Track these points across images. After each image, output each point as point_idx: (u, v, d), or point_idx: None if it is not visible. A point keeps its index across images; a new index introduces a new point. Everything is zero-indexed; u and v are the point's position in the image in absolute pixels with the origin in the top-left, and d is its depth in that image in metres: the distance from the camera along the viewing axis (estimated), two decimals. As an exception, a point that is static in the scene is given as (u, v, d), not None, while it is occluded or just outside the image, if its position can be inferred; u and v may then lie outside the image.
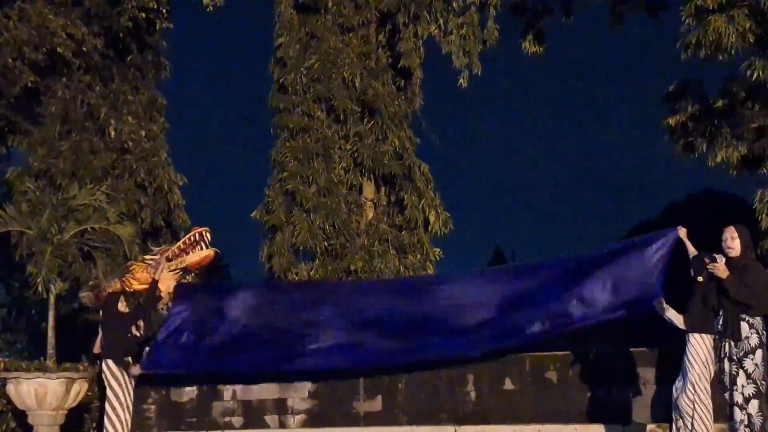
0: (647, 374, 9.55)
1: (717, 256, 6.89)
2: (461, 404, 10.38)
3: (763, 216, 13.71)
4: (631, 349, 9.51)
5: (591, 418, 9.43)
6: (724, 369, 6.69)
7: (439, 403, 10.44)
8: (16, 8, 13.69)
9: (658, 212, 26.42)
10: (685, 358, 8.15)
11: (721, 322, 6.74)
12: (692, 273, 7.91)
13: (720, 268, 6.67)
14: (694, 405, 8.02)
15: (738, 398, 6.57)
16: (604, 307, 9.27)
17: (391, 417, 10.50)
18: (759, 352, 6.60)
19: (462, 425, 9.99)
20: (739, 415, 6.54)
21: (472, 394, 10.39)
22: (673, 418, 8.35)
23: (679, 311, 8.23)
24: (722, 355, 6.72)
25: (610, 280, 9.31)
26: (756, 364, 6.56)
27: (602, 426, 9.18)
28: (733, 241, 6.82)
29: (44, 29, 13.57)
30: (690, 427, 8.05)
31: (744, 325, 6.60)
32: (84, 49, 14.16)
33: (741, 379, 6.56)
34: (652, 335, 9.27)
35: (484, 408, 10.27)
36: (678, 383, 8.29)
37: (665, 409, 8.62)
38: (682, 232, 8.82)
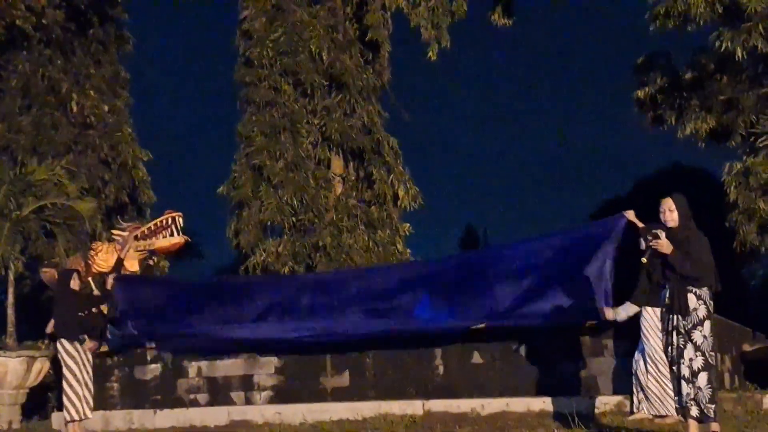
0: (610, 346, 9.53)
1: (658, 231, 6.71)
2: (429, 379, 10.33)
3: (731, 188, 13.69)
4: (596, 322, 9.45)
5: (558, 391, 9.39)
6: (672, 342, 6.60)
7: (407, 378, 10.37)
8: (-28, -20, 13.38)
9: (629, 187, 26.46)
10: (641, 331, 8.16)
11: (668, 296, 6.63)
12: (641, 244, 7.78)
13: (663, 244, 6.51)
14: (654, 377, 8.02)
15: (685, 371, 6.46)
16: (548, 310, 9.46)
17: (359, 392, 10.42)
18: (707, 324, 6.48)
19: (430, 399, 9.91)
20: (685, 388, 6.45)
21: (440, 369, 10.34)
22: (634, 390, 8.36)
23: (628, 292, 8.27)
24: (669, 328, 6.61)
25: (556, 281, 9.51)
26: (704, 336, 6.44)
27: (569, 398, 9.14)
28: (671, 213, 6.65)
29: (3, 1, 13.28)
30: (652, 398, 8.06)
31: (691, 297, 6.47)
32: (44, 21, 13.92)
33: (688, 352, 6.46)
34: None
35: (452, 382, 10.22)
36: (637, 355, 8.31)
37: (629, 380, 8.59)
38: (630, 214, 8.67)
